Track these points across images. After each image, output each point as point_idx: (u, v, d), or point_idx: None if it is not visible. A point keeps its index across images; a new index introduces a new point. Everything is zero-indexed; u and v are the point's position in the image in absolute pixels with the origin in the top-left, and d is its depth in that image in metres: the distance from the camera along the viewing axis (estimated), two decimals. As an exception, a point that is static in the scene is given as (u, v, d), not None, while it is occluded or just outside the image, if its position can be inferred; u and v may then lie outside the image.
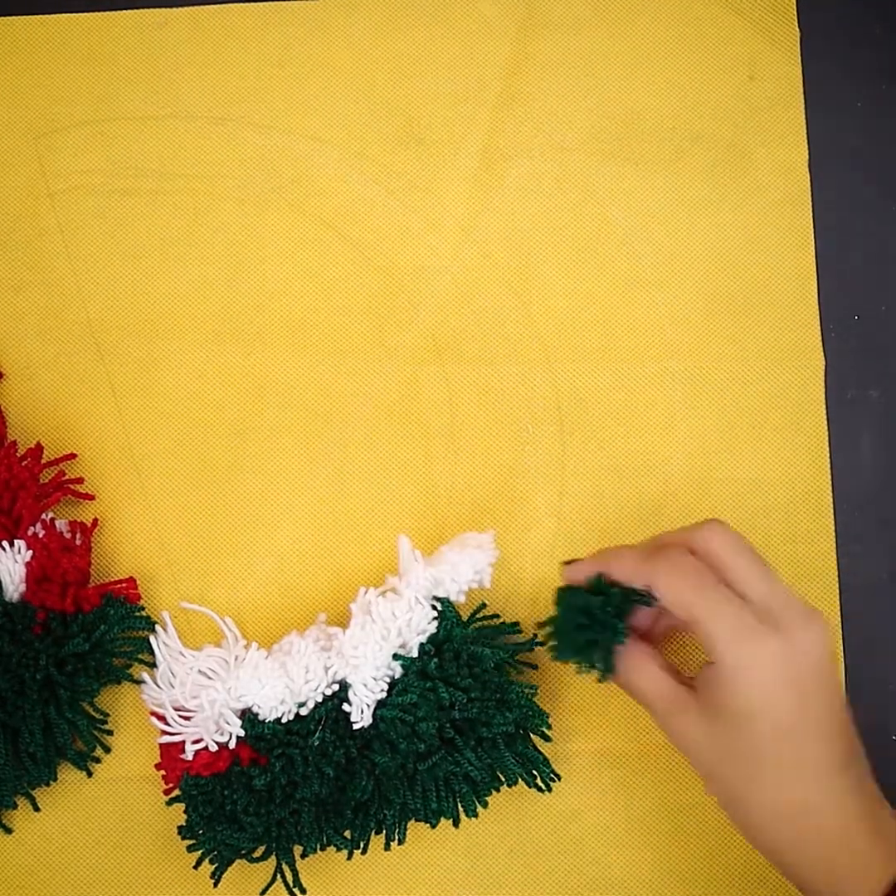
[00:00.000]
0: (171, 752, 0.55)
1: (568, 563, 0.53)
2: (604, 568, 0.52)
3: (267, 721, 0.54)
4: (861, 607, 0.59)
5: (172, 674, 0.56)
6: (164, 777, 0.56)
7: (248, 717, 0.54)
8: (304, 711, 0.55)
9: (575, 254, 0.60)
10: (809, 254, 0.60)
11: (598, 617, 0.51)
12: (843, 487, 0.59)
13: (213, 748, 0.54)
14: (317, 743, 0.54)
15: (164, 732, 0.55)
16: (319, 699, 0.55)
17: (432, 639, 0.55)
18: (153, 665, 0.57)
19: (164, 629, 0.57)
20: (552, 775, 0.56)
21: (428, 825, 0.56)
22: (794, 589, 0.58)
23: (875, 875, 0.48)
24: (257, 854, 0.56)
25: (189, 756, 0.54)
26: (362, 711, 0.54)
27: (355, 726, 0.54)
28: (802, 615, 0.49)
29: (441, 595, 0.55)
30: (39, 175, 0.60)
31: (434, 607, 0.55)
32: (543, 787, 0.56)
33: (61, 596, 0.56)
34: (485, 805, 0.56)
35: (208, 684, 0.55)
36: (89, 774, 0.58)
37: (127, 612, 0.57)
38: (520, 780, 0.56)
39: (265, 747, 0.54)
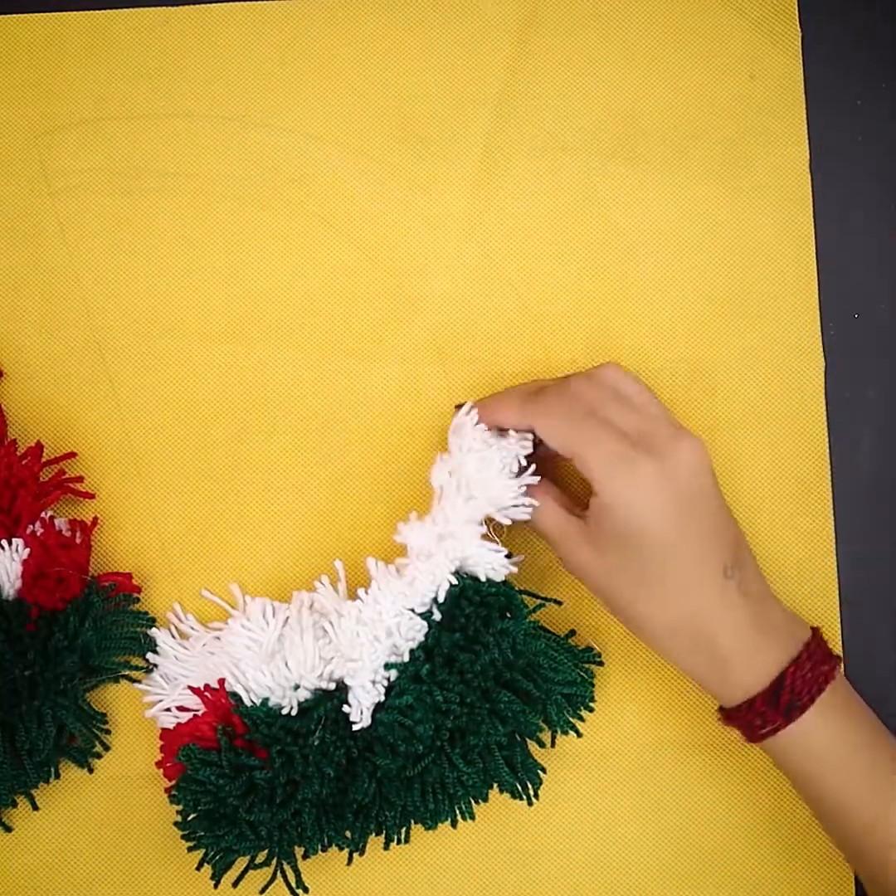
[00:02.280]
0: (171, 739, 0.56)
1: (458, 406, 0.55)
2: (489, 415, 0.54)
3: (260, 702, 0.55)
4: (861, 607, 0.59)
5: (184, 647, 0.57)
6: (164, 772, 0.56)
7: (250, 708, 0.55)
8: (301, 697, 0.55)
9: (575, 253, 0.60)
10: (810, 253, 0.60)
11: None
12: (843, 487, 0.59)
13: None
14: (317, 742, 0.54)
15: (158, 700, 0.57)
16: (319, 685, 0.55)
17: (422, 645, 0.55)
18: (148, 670, 0.58)
19: (178, 616, 0.58)
20: (536, 793, 0.56)
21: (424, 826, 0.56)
22: (793, 590, 0.58)
23: (761, 669, 0.52)
24: (260, 859, 0.56)
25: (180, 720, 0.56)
26: (361, 712, 0.54)
27: (355, 727, 0.54)
28: (671, 436, 0.52)
29: (420, 609, 0.55)
30: (40, 174, 0.60)
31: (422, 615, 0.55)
32: (529, 799, 0.56)
33: (53, 593, 0.56)
34: (486, 799, 0.56)
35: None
36: (90, 771, 0.58)
37: (115, 602, 0.57)
38: (511, 790, 0.56)
39: (265, 742, 0.54)
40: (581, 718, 0.56)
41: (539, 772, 0.56)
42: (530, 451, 0.54)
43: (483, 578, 0.54)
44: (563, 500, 0.55)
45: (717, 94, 0.60)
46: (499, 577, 0.54)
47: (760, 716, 0.52)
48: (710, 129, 0.60)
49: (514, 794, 0.56)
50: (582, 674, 0.56)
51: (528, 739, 0.56)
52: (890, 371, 0.60)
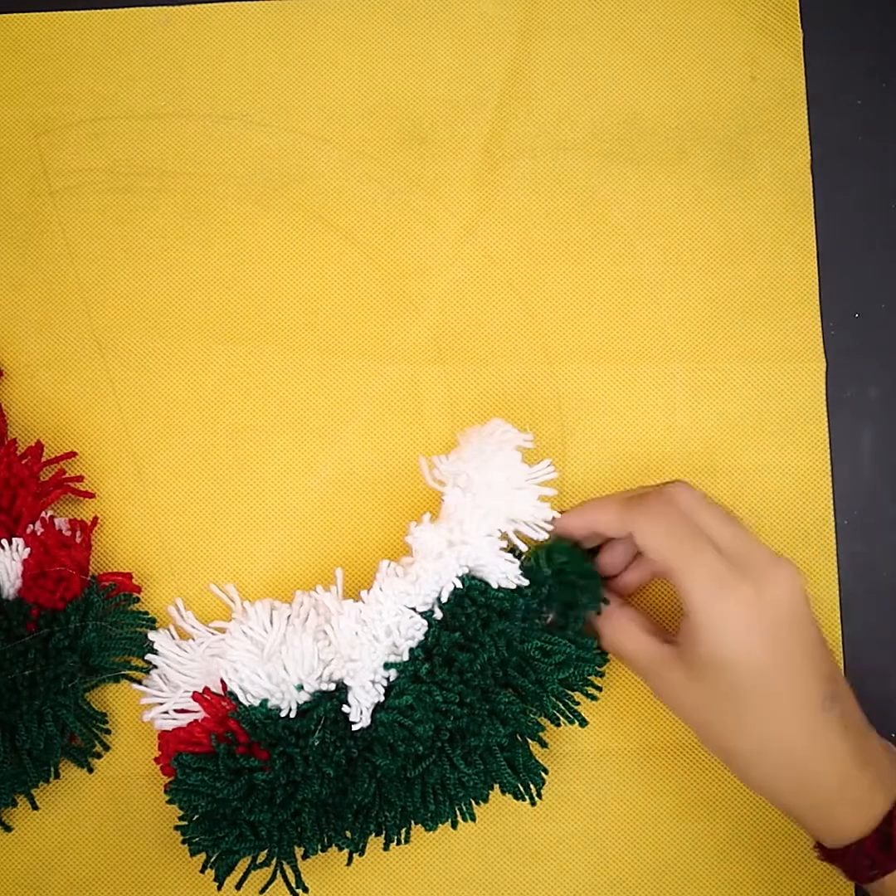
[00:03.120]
0: (168, 740, 0.56)
1: (560, 513, 0.55)
2: (589, 519, 0.54)
3: (259, 704, 0.55)
4: (861, 607, 0.59)
5: (184, 650, 0.57)
6: (162, 770, 0.56)
7: (249, 710, 0.55)
8: (302, 699, 0.55)
9: (576, 253, 0.60)
10: (811, 253, 0.60)
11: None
12: (843, 487, 0.59)
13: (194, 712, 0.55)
14: (317, 743, 0.54)
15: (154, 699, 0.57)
16: (318, 687, 0.55)
17: (422, 644, 0.55)
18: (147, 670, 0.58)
19: (179, 612, 0.58)
20: (539, 794, 0.56)
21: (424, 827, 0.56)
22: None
23: (866, 810, 0.50)
24: (260, 859, 0.56)
25: (181, 722, 0.56)
26: (361, 713, 0.54)
27: (355, 727, 0.54)
28: (769, 562, 0.51)
29: (421, 608, 0.55)
30: (41, 173, 0.60)
31: (422, 614, 0.55)
32: (532, 799, 0.56)
33: (53, 593, 0.56)
34: (486, 800, 0.56)
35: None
36: (90, 770, 0.58)
37: (115, 602, 0.57)
38: (513, 792, 0.56)
39: (266, 743, 0.54)
40: (588, 696, 0.56)
41: (541, 772, 0.56)
42: (529, 446, 0.55)
43: (495, 585, 0.54)
44: (649, 626, 0.54)
45: (719, 94, 0.60)
46: (511, 586, 0.55)
47: (869, 858, 0.49)
48: (711, 129, 0.60)
49: (516, 796, 0.56)
50: (580, 653, 0.55)
51: (529, 740, 0.56)
52: (890, 371, 0.60)
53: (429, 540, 0.54)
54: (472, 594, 0.54)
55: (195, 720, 0.56)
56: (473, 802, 0.56)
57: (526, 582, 0.55)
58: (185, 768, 0.54)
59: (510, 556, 0.55)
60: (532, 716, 0.55)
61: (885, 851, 0.49)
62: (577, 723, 0.56)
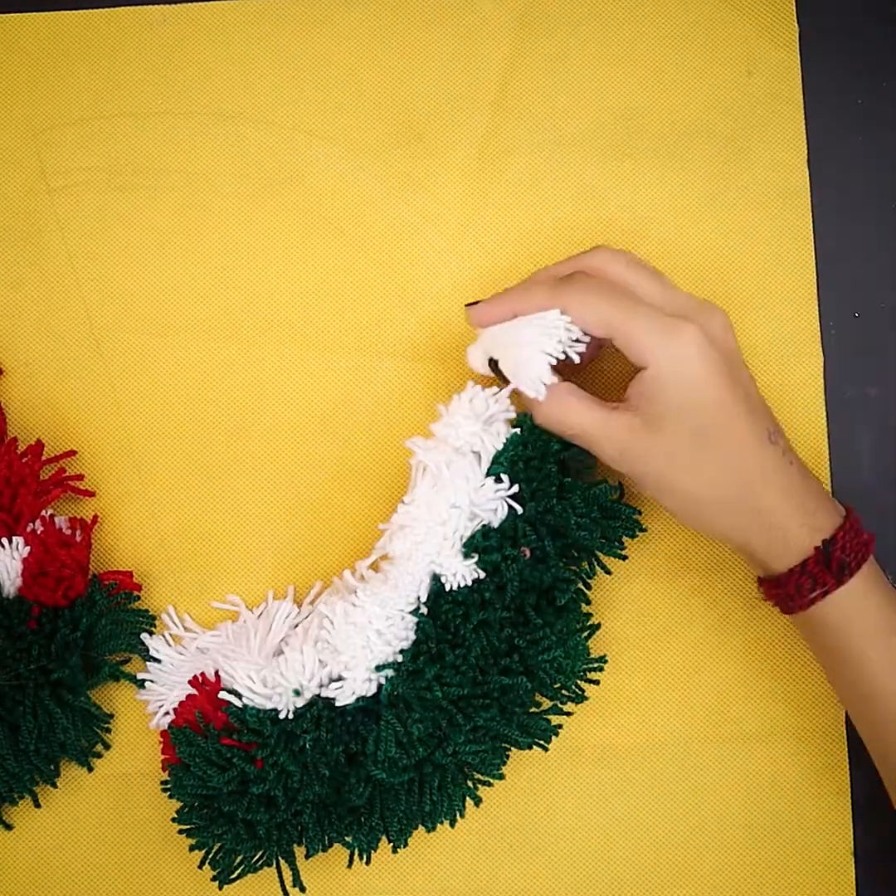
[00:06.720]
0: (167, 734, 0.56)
1: (471, 304, 0.55)
2: (515, 308, 0.53)
3: (256, 708, 0.55)
4: (861, 606, 0.59)
5: (179, 653, 0.57)
6: (163, 765, 0.57)
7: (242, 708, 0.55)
8: (299, 703, 0.55)
9: (572, 249, 0.59)
10: (808, 251, 0.59)
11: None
12: (842, 486, 0.59)
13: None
14: (309, 744, 0.54)
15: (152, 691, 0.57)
16: (316, 691, 0.55)
17: (414, 643, 0.55)
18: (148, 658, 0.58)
19: (173, 619, 0.59)
20: (554, 731, 0.56)
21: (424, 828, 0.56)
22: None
23: (811, 532, 0.52)
24: (259, 859, 0.56)
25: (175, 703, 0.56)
26: (352, 692, 0.54)
27: (338, 703, 0.54)
28: (702, 306, 0.53)
29: (407, 608, 0.55)
30: (38, 171, 0.60)
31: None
32: (545, 746, 0.56)
33: (54, 591, 0.56)
34: (500, 776, 0.56)
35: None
36: (90, 769, 0.58)
37: (116, 600, 0.57)
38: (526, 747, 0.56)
39: (260, 743, 0.54)
40: (588, 679, 0.57)
41: (546, 720, 0.56)
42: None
43: (447, 587, 0.54)
44: (591, 397, 0.53)
45: (715, 90, 0.60)
46: (464, 583, 0.54)
47: (812, 577, 0.51)
48: (707, 125, 0.60)
49: (529, 746, 0.56)
50: (567, 640, 0.55)
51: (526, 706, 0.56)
52: (890, 370, 0.59)
53: (396, 548, 0.54)
54: (442, 593, 0.54)
55: (193, 695, 0.56)
56: (475, 790, 0.56)
57: (480, 574, 0.54)
58: (182, 742, 0.55)
59: (459, 556, 0.54)
60: (526, 695, 0.55)
61: (826, 568, 0.51)
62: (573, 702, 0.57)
